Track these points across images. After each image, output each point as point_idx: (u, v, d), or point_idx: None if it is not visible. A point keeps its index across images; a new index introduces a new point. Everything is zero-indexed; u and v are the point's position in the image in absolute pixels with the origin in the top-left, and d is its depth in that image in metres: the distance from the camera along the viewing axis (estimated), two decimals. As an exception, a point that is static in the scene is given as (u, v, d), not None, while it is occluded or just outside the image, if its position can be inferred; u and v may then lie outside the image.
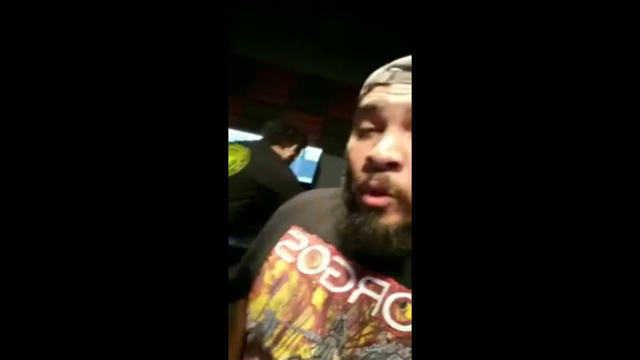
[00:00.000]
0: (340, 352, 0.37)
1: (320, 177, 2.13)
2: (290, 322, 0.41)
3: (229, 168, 1.43)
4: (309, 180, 2.07)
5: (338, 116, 2.16)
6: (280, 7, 1.84)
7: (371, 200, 0.37)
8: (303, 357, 0.39)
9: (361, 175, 0.38)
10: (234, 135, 1.90)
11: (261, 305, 0.44)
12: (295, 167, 2.02)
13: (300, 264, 0.45)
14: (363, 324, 0.38)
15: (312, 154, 2.02)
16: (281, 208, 0.55)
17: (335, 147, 2.14)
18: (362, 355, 0.36)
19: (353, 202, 0.40)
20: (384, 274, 0.40)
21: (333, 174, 2.16)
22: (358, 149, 0.40)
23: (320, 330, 0.39)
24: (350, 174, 0.41)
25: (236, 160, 1.46)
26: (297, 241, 0.48)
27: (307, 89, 2.12)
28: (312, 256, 0.45)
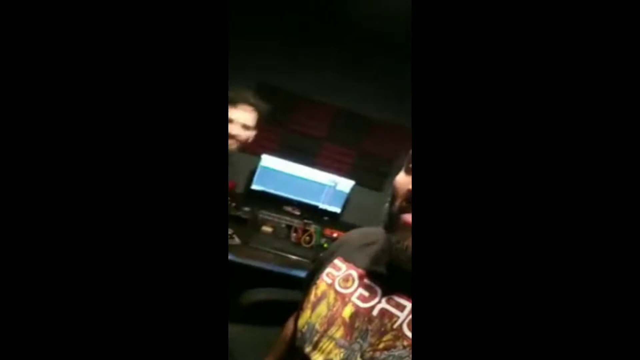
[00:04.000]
0: (362, 355, 0.46)
1: (348, 208, 2.20)
2: (325, 331, 0.51)
3: None
4: (337, 209, 2.14)
5: (370, 151, 2.25)
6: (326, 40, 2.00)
7: (408, 218, 0.46)
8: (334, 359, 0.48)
9: (403, 202, 0.48)
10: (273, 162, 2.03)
11: (305, 318, 0.56)
12: (326, 196, 2.11)
13: (336, 285, 0.57)
14: (384, 333, 0.47)
15: (344, 184, 2.11)
16: (336, 241, 0.71)
17: (365, 180, 2.21)
18: (381, 357, 0.45)
19: (391, 223, 0.50)
20: (408, 295, 0.49)
21: (361, 205, 2.22)
22: (404, 182, 0.50)
23: (348, 337, 0.49)
24: (394, 200, 0.50)
25: None
26: (338, 269, 0.60)
27: (343, 123, 2.24)
28: (346, 278, 0.57)
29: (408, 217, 0.46)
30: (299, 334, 0.55)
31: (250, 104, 1.31)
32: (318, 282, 0.60)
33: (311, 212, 2.08)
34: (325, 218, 2.11)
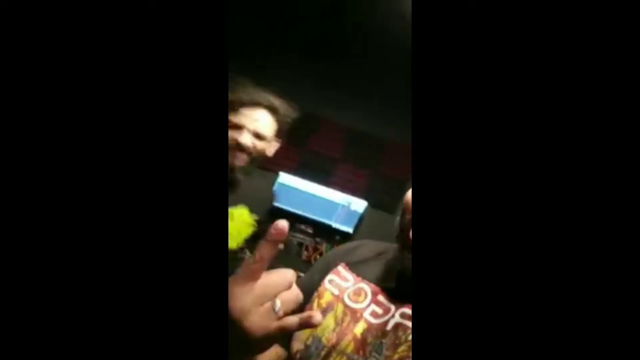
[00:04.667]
0: None
1: (360, 229, 2.21)
2: (334, 346, 0.51)
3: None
4: (350, 229, 2.16)
5: (385, 172, 2.28)
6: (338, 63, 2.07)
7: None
8: None
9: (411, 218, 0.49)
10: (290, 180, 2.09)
11: (308, 330, 0.53)
12: (339, 215, 2.14)
13: (345, 298, 0.55)
14: (398, 345, 0.47)
15: (357, 204, 2.13)
16: (336, 249, 0.68)
17: (379, 201, 2.23)
18: None
19: (401, 237, 0.51)
20: None
21: (373, 227, 2.23)
22: None
23: (361, 352, 0.49)
24: (404, 214, 0.52)
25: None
26: (345, 279, 0.58)
27: (358, 144, 2.29)
28: (358, 292, 0.55)
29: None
30: (302, 346, 0.53)
31: (270, 109, 0.99)
32: (320, 290, 0.57)
33: (324, 231, 2.11)
34: (337, 237, 2.14)
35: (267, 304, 0.36)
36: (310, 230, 2.10)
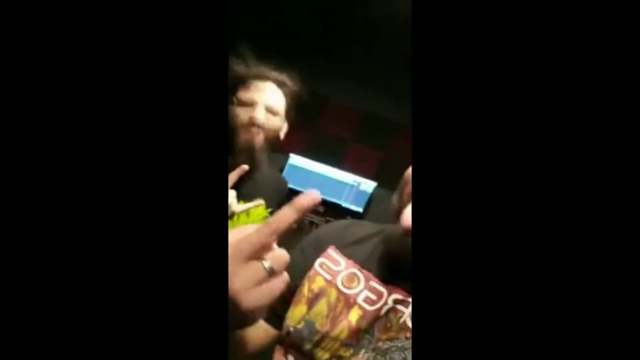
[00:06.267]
0: (368, 347, 0.49)
1: (370, 210, 2.26)
2: (328, 332, 0.51)
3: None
4: (359, 209, 2.21)
5: (397, 153, 2.29)
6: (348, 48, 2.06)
7: (408, 223, 0.47)
8: (343, 355, 0.49)
9: (410, 192, 0.49)
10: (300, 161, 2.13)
11: (301, 313, 0.53)
12: (349, 194, 2.19)
13: (339, 283, 0.53)
14: (390, 328, 0.49)
15: (366, 184, 2.18)
16: (324, 227, 0.66)
17: (390, 182, 2.26)
18: (384, 347, 0.47)
19: (399, 213, 0.51)
20: (410, 292, 0.50)
21: (384, 208, 2.27)
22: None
23: (355, 337, 0.50)
24: (402, 188, 0.53)
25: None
26: (337, 263, 0.56)
27: (371, 125, 2.30)
28: (351, 278, 0.54)
29: (408, 221, 0.47)
30: (291, 329, 0.52)
31: (278, 82, 0.94)
32: (311, 274, 0.56)
33: (334, 210, 2.17)
34: (348, 217, 2.19)
35: (254, 264, 0.31)
36: (321, 210, 2.16)
